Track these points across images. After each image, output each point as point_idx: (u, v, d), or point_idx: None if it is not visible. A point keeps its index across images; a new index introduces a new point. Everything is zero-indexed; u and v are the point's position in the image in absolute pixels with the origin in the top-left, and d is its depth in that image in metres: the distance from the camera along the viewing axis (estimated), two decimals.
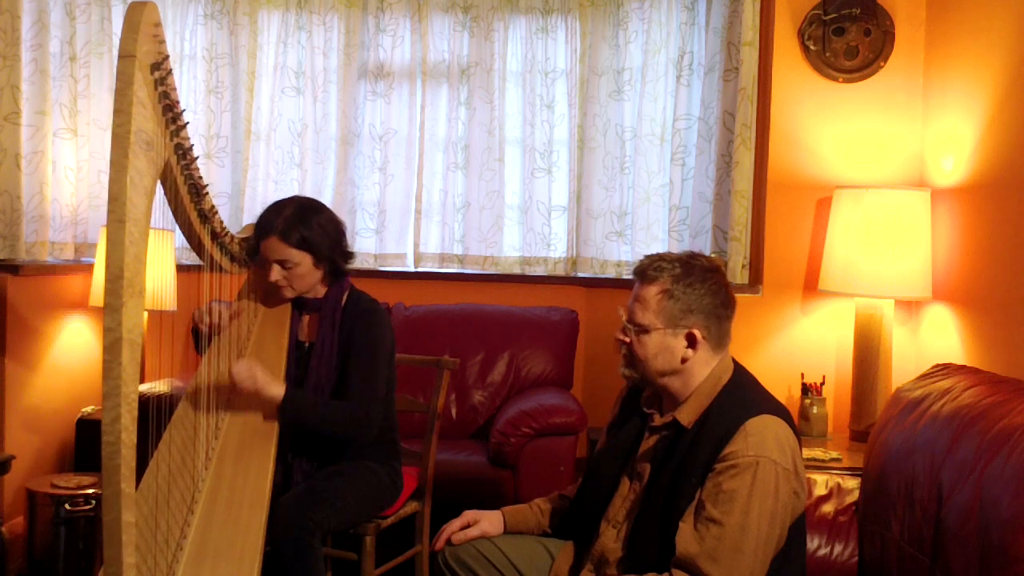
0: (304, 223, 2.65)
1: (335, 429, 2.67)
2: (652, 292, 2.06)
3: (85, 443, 3.71)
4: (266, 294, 2.78)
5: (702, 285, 2.05)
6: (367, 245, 4.32)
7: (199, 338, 2.69)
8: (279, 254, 2.64)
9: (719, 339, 2.08)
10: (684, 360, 2.06)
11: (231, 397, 2.58)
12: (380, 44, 4.29)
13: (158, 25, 1.81)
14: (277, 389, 2.55)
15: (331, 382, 2.71)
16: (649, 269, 2.07)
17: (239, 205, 4.24)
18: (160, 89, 1.86)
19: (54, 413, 3.83)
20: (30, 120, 3.77)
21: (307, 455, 2.72)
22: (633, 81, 4.13)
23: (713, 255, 3.74)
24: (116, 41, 4.12)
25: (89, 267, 3.95)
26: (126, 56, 1.74)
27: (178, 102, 1.95)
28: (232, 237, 2.59)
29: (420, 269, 4.35)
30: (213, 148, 4.23)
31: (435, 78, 4.31)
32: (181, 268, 3.88)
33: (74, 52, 3.95)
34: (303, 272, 2.67)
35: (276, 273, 2.66)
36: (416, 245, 4.33)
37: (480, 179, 4.26)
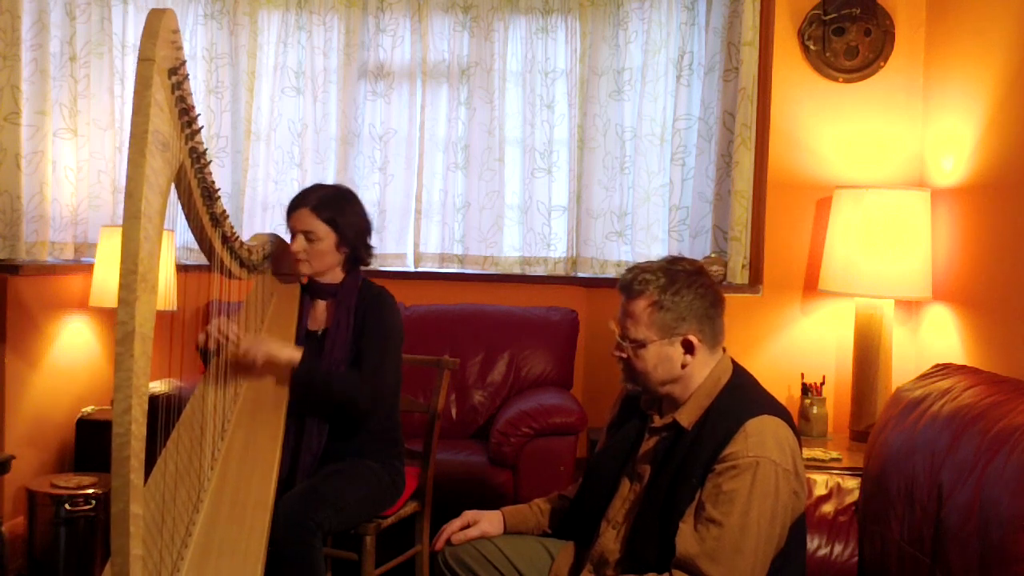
0: (337, 204, 2.76)
1: (346, 395, 2.69)
2: (641, 306, 2.05)
3: (85, 443, 3.72)
4: (275, 295, 2.80)
5: (689, 290, 2.05)
6: None
7: (206, 355, 2.70)
8: (306, 224, 2.73)
9: (714, 339, 2.09)
10: (684, 366, 2.06)
11: (237, 398, 2.60)
12: (380, 44, 4.29)
13: (176, 32, 1.88)
14: (294, 351, 2.62)
15: (345, 366, 2.73)
16: (634, 283, 2.07)
17: (239, 205, 4.25)
18: (177, 93, 1.91)
19: (54, 413, 3.83)
20: (30, 120, 3.77)
21: (318, 418, 2.74)
22: (633, 81, 4.13)
23: (713, 255, 3.75)
24: (116, 41, 4.13)
25: (89, 267, 3.95)
26: (145, 60, 1.81)
27: (193, 107, 2.00)
28: (241, 242, 2.61)
29: (420, 269, 4.35)
30: (213, 148, 4.23)
31: (435, 78, 4.31)
32: (181, 268, 3.88)
33: (74, 52, 3.95)
34: (324, 249, 2.75)
35: (299, 243, 2.74)
36: (416, 245, 4.33)
37: (480, 179, 4.26)
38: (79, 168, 4.03)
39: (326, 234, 2.74)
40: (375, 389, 2.71)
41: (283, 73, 4.28)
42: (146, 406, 1.76)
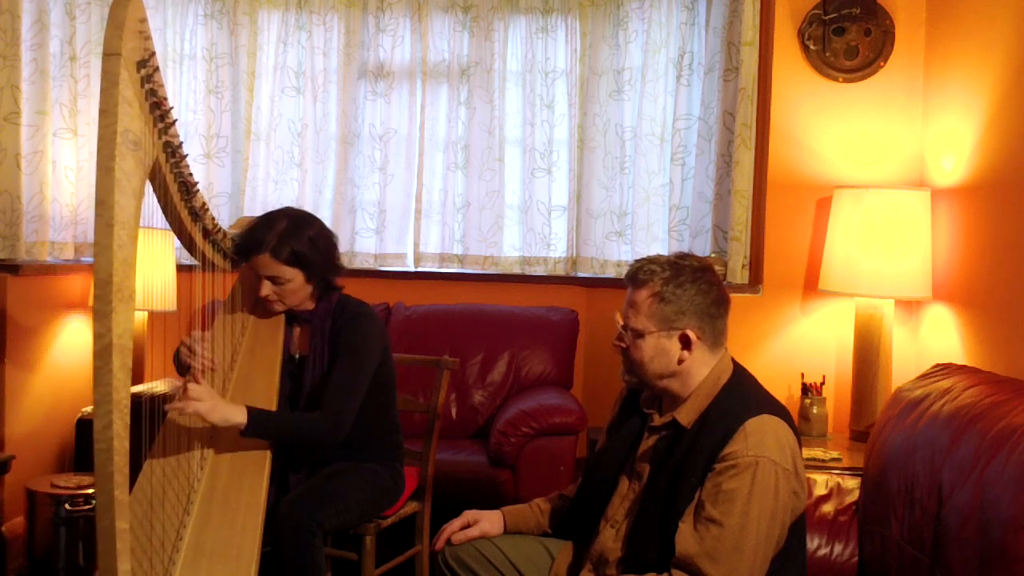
0: (296, 238, 2.59)
1: (304, 441, 2.63)
2: (643, 296, 2.06)
3: (85, 443, 3.71)
4: (257, 299, 2.76)
5: (692, 285, 2.05)
6: (367, 245, 4.32)
7: (185, 367, 2.67)
8: (270, 270, 2.59)
9: (714, 338, 2.08)
10: (680, 361, 2.06)
11: (225, 394, 2.56)
12: (380, 44, 4.29)
13: (143, 21, 1.77)
14: (238, 415, 2.43)
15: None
16: (639, 273, 2.08)
17: (239, 205, 4.25)
18: (147, 87, 1.82)
19: (54, 413, 3.83)
20: (30, 120, 3.77)
21: (306, 469, 2.71)
22: (633, 81, 4.13)
23: (713, 255, 3.75)
24: None
25: (89, 267, 3.95)
26: (111, 54, 1.69)
27: (166, 99, 1.91)
28: (224, 234, 2.56)
29: (420, 269, 4.35)
30: (213, 148, 4.24)
31: (435, 78, 4.31)
32: (181, 268, 3.88)
33: (74, 52, 3.95)
34: (294, 288, 2.63)
35: (267, 288, 2.61)
36: (416, 245, 4.33)
37: (480, 179, 4.26)
38: (79, 168, 4.02)
39: (293, 274, 2.59)
40: (333, 424, 2.58)
41: (283, 73, 4.28)
42: (128, 420, 1.70)
